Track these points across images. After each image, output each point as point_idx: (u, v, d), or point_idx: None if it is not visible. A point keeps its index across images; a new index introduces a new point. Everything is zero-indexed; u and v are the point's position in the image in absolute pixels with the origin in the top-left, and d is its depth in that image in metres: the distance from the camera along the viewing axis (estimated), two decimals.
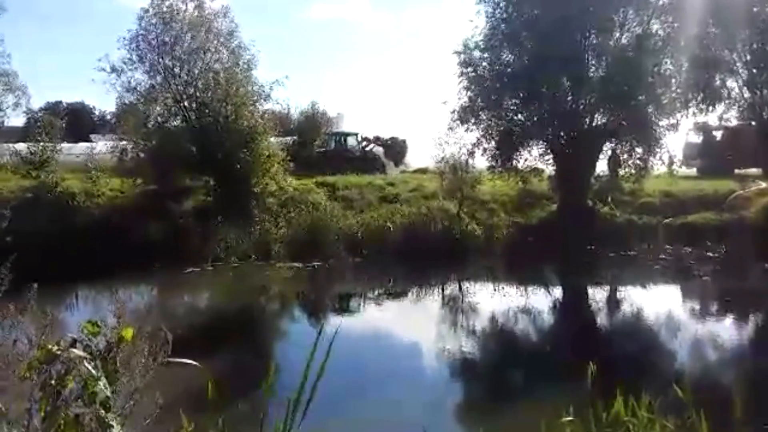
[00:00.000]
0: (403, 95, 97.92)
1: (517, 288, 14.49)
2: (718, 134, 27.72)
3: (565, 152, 19.39)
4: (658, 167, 19.78)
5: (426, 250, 15.94)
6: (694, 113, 23.84)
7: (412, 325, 11.22)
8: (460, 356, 9.18)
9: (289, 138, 26.58)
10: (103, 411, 2.01)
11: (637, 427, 3.29)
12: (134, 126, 19.27)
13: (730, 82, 24.21)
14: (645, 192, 19.82)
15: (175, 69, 19.13)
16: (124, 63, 18.81)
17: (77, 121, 36.52)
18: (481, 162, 20.34)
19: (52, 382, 2.03)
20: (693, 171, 26.53)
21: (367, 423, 6.44)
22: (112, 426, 2.01)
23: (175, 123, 20.00)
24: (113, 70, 18.71)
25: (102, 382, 2.02)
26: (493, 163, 20.13)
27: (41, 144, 19.34)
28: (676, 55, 19.32)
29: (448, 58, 28.42)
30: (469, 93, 19.63)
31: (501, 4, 19.45)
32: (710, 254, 16.21)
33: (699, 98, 23.17)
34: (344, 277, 15.65)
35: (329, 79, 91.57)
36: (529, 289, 14.21)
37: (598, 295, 13.93)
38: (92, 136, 33.33)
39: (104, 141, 24.11)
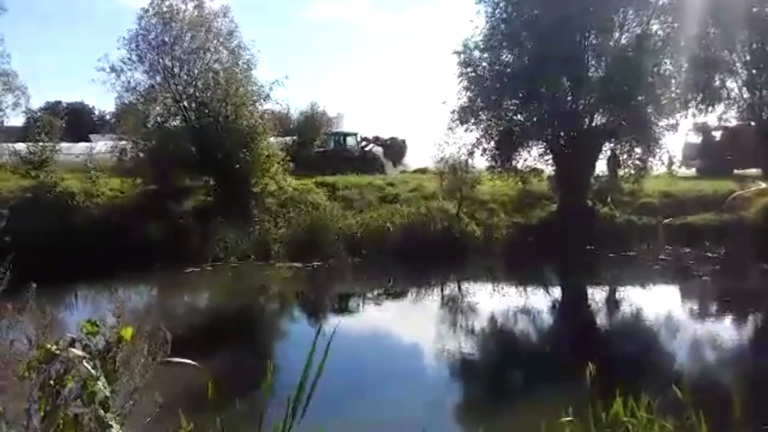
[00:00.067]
0: (402, 95, 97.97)
1: (516, 288, 14.50)
2: (717, 134, 27.71)
3: (564, 152, 19.40)
4: (658, 167, 19.79)
5: (425, 250, 15.94)
6: (693, 113, 23.90)
7: (412, 325, 11.22)
8: (459, 356, 9.18)
9: (288, 138, 26.58)
10: (102, 411, 2.00)
11: (636, 427, 3.30)
12: (134, 126, 19.27)
13: (730, 83, 24.22)
14: (644, 192, 19.83)
15: (174, 69, 19.14)
16: (124, 63, 18.85)
17: (77, 121, 36.49)
18: (480, 162, 20.38)
19: (51, 381, 2.03)
20: (692, 171, 26.53)
21: (366, 423, 6.44)
22: (112, 426, 2.01)
23: (174, 123, 20.00)
24: (113, 69, 18.74)
25: (101, 382, 2.02)
26: (493, 164, 20.13)
27: (41, 144, 19.33)
28: (676, 56, 19.33)
29: (447, 58, 28.39)
30: (468, 93, 19.63)
31: (501, 4, 19.45)
32: (710, 254, 16.21)
33: (698, 98, 23.19)
34: (344, 277, 15.65)
35: (329, 79, 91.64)
36: (529, 289, 14.22)
37: (597, 295, 13.93)
38: (92, 136, 33.33)
39: (104, 141, 24.10)
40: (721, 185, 19.77)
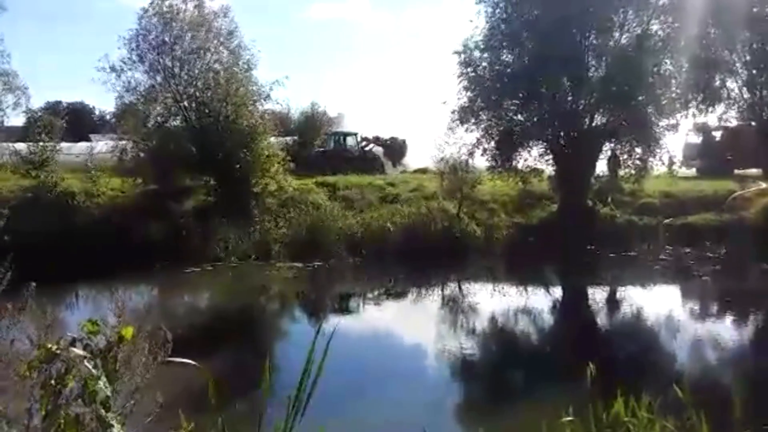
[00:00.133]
0: (403, 95, 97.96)
1: (517, 288, 14.50)
2: (717, 135, 27.72)
3: (565, 152, 19.40)
4: (658, 168, 19.79)
5: (426, 250, 15.94)
6: (693, 114, 23.91)
7: (412, 325, 11.22)
8: (460, 356, 9.18)
9: (289, 138, 26.59)
10: (103, 410, 2.00)
11: (637, 427, 3.29)
12: (134, 126, 19.29)
13: (730, 83, 24.22)
14: (645, 192, 19.83)
15: (175, 69, 19.15)
16: (124, 63, 18.88)
17: (77, 121, 36.46)
18: (481, 162, 20.38)
19: (52, 381, 2.03)
20: (693, 171, 26.54)
21: (367, 423, 6.44)
22: (112, 425, 2.01)
23: (175, 123, 20.02)
24: (113, 69, 18.77)
25: (102, 381, 2.02)
26: (493, 164, 20.13)
27: (41, 144, 19.32)
28: (676, 56, 19.32)
29: (448, 58, 28.39)
30: (469, 93, 19.63)
31: (501, 5, 19.45)
32: (710, 255, 16.20)
33: (699, 99, 23.19)
34: (344, 277, 15.65)
35: (329, 79, 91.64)
36: (529, 289, 14.22)
37: (598, 295, 13.93)
38: (92, 136, 33.36)
39: (104, 141, 24.13)
40: (722, 185, 19.77)
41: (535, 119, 19.35)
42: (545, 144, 19.91)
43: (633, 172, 19.61)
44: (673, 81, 19.47)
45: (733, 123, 26.25)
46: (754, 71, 23.67)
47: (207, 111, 19.09)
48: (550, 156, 19.90)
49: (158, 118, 19.80)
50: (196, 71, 19.31)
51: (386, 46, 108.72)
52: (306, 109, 32.44)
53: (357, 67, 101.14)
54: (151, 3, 18.75)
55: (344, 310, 12.71)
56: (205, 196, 19.13)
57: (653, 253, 16.84)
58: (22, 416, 2.04)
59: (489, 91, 19.29)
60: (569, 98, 19.40)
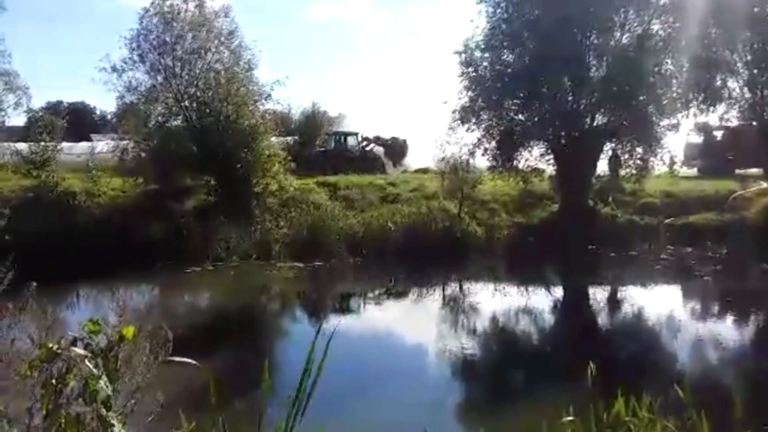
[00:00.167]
0: (403, 95, 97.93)
1: (517, 288, 14.49)
2: (718, 134, 27.71)
3: (565, 152, 19.39)
4: (659, 167, 19.78)
5: (427, 250, 15.94)
6: (694, 113, 23.84)
7: (413, 325, 11.22)
8: (460, 356, 9.17)
9: (290, 138, 26.58)
10: (104, 409, 2.01)
11: (637, 427, 3.29)
12: (135, 126, 19.30)
13: (731, 83, 24.18)
14: (646, 192, 19.83)
15: (175, 68, 19.15)
16: (125, 62, 18.88)
17: (78, 121, 36.52)
18: (481, 162, 20.38)
19: (53, 380, 2.03)
20: (694, 171, 26.53)
21: (367, 422, 6.44)
22: (113, 424, 2.01)
23: (176, 122, 20.03)
24: (114, 69, 18.77)
25: (103, 381, 2.02)
26: (494, 163, 20.13)
27: (42, 143, 19.33)
28: (677, 56, 19.32)
29: (448, 58, 28.40)
30: (469, 93, 19.64)
31: (502, 4, 19.46)
32: (711, 254, 16.20)
33: (700, 98, 23.14)
34: (345, 276, 15.66)
35: (329, 79, 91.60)
36: (530, 289, 14.21)
37: (599, 295, 13.92)
38: (93, 136, 33.38)
39: (105, 141, 24.14)
40: (723, 185, 19.77)
41: (536, 119, 19.35)
42: (546, 144, 19.91)
43: (634, 171, 19.61)
44: (674, 81, 19.47)
45: (734, 123, 26.23)
46: (755, 71, 23.64)
47: (208, 111, 19.09)
48: (551, 156, 19.90)
49: (159, 117, 19.81)
50: (197, 71, 19.32)
51: (387, 46, 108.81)
52: (307, 108, 32.50)
53: (357, 67, 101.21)
54: (152, 3, 18.77)
55: (345, 309, 12.71)
56: (206, 195, 19.13)
57: (654, 252, 16.83)
58: (23, 415, 2.04)
59: (490, 91, 19.30)
60: (570, 98, 19.40)
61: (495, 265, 16.67)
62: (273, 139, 20.28)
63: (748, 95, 24.22)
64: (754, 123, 24.90)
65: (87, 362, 2.02)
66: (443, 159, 19.67)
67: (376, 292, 14.05)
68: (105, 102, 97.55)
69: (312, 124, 31.67)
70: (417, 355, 9.41)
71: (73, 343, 2.07)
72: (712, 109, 24.36)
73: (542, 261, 16.31)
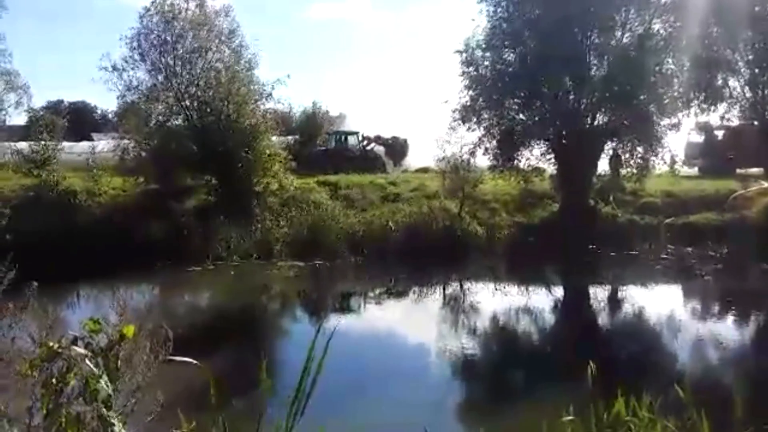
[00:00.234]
0: (404, 94, 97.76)
1: (518, 288, 14.49)
2: (719, 134, 27.68)
3: (566, 152, 19.37)
4: (660, 167, 19.75)
5: (427, 249, 15.94)
6: (695, 113, 23.79)
7: (414, 325, 11.23)
8: (461, 356, 9.18)
9: (290, 137, 26.57)
10: (104, 409, 2.01)
11: (638, 427, 3.29)
12: (136, 125, 19.31)
13: (732, 82, 24.12)
14: (647, 192, 19.82)
15: (176, 68, 19.16)
16: (126, 62, 18.90)
17: (79, 120, 36.55)
18: (482, 161, 20.34)
19: (54, 379, 2.04)
20: (695, 171, 26.50)
21: (367, 422, 6.44)
22: (114, 424, 2.01)
23: (176, 122, 20.04)
24: (115, 68, 18.79)
25: (103, 380, 2.02)
26: (495, 163, 20.10)
27: (43, 143, 19.34)
28: (678, 55, 19.29)
29: (449, 58, 28.40)
30: (470, 92, 19.61)
31: (502, 4, 19.43)
32: (712, 254, 16.19)
33: (701, 98, 23.10)
34: (346, 276, 15.66)
35: (330, 79, 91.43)
36: (531, 288, 14.21)
37: (599, 294, 13.93)
38: (94, 135, 33.41)
39: (106, 140, 24.15)
40: (724, 185, 19.75)
41: (536, 118, 19.34)
42: (547, 143, 19.89)
43: (635, 171, 19.59)
44: (675, 80, 19.44)
45: (735, 122, 26.19)
46: (756, 70, 23.59)
47: (208, 110, 19.10)
48: (552, 155, 19.88)
49: (160, 117, 19.82)
50: (198, 70, 19.32)
51: (387, 46, 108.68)
52: (307, 108, 32.51)
53: (358, 66, 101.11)
54: (153, 2, 18.77)
55: (345, 309, 12.71)
56: (207, 195, 19.13)
57: (655, 252, 16.82)
58: (24, 415, 2.05)
59: (490, 90, 19.27)
60: (571, 97, 19.38)
61: (495, 265, 16.67)
62: (273, 138, 20.29)
63: (749, 95, 24.17)
64: (755, 122, 24.85)
65: (87, 361, 2.03)
66: (444, 158, 19.65)
67: (377, 292, 14.06)
68: (105, 101, 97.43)
69: (312, 124, 31.68)
70: (417, 354, 9.42)
71: (74, 342, 2.08)
72: (713, 108, 24.32)
73: (543, 260, 16.30)
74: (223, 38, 19.60)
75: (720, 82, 23.62)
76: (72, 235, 14.96)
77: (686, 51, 19.35)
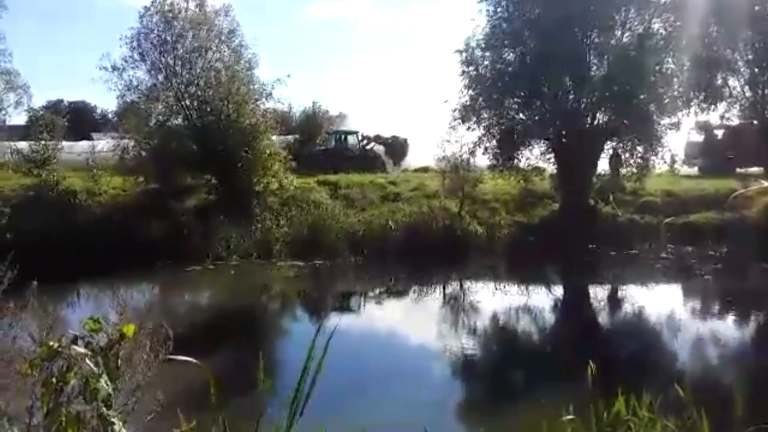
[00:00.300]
0: (404, 94, 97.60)
1: (518, 287, 14.49)
2: (719, 133, 27.69)
3: (566, 151, 19.37)
4: (660, 166, 19.75)
5: (427, 249, 15.94)
6: (695, 112, 23.80)
7: (414, 325, 11.23)
8: (461, 355, 9.18)
9: (290, 136, 26.56)
10: (104, 408, 2.01)
11: (637, 426, 3.29)
12: (136, 124, 19.31)
13: (732, 81, 24.13)
14: (646, 191, 19.83)
15: (176, 67, 19.17)
16: (126, 61, 18.90)
17: (79, 120, 36.56)
18: (482, 161, 20.34)
19: (54, 379, 2.04)
20: (694, 170, 26.51)
21: (367, 422, 6.41)
22: (114, 423, 2.01)
23: (176, 121, 20.04)
24: (114, 68, 18.79)
25: (103, 379, 2.02)
26: (495, 162, 20.10)
27: (43, 142, 19.34)
28: (678, 54, 19.30)
29: (449, 57, 28.33)
30: (470, 92, 19.61)
31: (502, 3, 19.43)
32: (712, 253, 16.20)
33: (701, 97, 23.10)
34: (346, 275, 15.66)
35: (330, 78, 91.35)
36: (531, 288, 14.21)
37: (599, 294, 13.93)
38: (94, 135, 33.39)
39: (106, 139, 24.14)
40: (723, 184, 19.76)
41: (536, 118, 19.35)
42: (547, 143, 19.90)
43: (635, 170, 19.60)
44: (675, 79, 19.44)
45: (735, 121, 26.20)
46: (756, 70, 23.59)
47: (208, 110, 19.10)
48: (552, 155, 19.88)
49: (160, 116, 19.82)
50: (198, 70, 19.32)
51: (387, 45, 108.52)
52: (307, 107, 32.52)
53: (358, 65, 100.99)
54: (153, 1, 18.77)
55: (345, 308, 12.72)
56: (207, 194, 19.14)
57: (655, 251, 16.83)
58: (24, 414, 2.05)
59: (490, 90, 19.28)
60: (571, 97, 19.39)
61: (495, 264, 16.67)
62: (273, 137, 20.28)
63: (748, 94, 24.17)
64: (755, 122, 24.86)
65: (87, 361, 2.03)
66: (444, 158, 19.66)
67: (377, 291, 14.07)
68: (105, 101, 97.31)
69: (312, 123, 31.69)
70: (417, 354, 9.42)
71: (74, 341, 2.08)
72: (712, 107, 24.33)
73: (543, 260, 16.30)
74: (223, 38, 19.60)
75: (720, 81, 23.62)
76: (72, 235, 14.96)
77: (686, 50, 19.36)
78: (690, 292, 13.81)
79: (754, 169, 24.16)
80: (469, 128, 19.73)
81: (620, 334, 10.75)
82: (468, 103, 19.63)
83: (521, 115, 20.03)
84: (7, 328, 2.26)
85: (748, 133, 24.96)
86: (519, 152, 20.09)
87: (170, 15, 18.75)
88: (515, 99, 19.75)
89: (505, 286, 14.67)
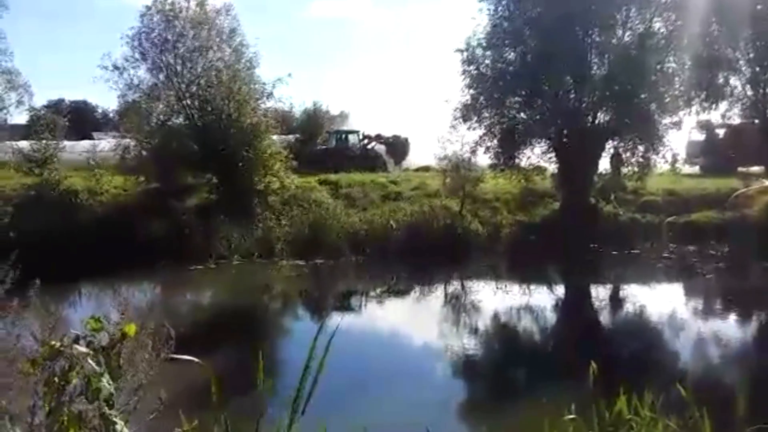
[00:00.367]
0: (405, 93, 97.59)
1: (519, 286, 14.48)
2: (721, 132, 27.65)
3: (567, 150, 19.36)
4: (661, 165, 19.74)
5: (428, 248, 15.94)
6: (696, 111, 23.75)
7: (415, 324, 11.23)
8: (462, 355, 9.18)
9: (291, 136, 26.56)
10: (106, 407, 2.01)
11: (639, 425, 3.29)
12: (137, 124, 19.32)
13: (733, 80, 24.08)
14: (648, 190, 19.81)
15: (177, 67, 19.16)
16: (127, 61, 18.91)
17: (80, 119, 36.57)
18: (483, 160, 20.33)
19: (56, 378, 2.04)
20: (696, 169, 26.49)
21: (369, 421, 6.42)
22: (116, 422, 2.01)
23: (177, 121, 20.04)
24: (115, 67, 18.79)
25: (105, 378, 2.02)
26: (496, 161, 20.09)
27: (44, 142, 19.35)
28: (679, 53, 19.28)
29: (450, 56, 28.38)
30: (471, 91, 19.61)
31: (503, 2, 19.42)
32: (713, 253, 16.18)
33: (702, 96, 23.07)
34: (347, 275, 15.66)
35: (330, 78, 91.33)
36: (532, 287, 14.19)
37: (600, 293, 13.92)
38: (95, 134, 33.42)
39: (107, 139, 24.17)
40: (725, 183, 19.73)
41: (537, 117, 19.34)
42: (548, 142, 19.89)
43: (636, 169, 19.58)
44: (676, 79, 19.43)
45: (737, 120, 26.16)
46: (758, 69, 23.55)
47: (209, 109, 19.09)
48: (553, 154, 19.88)
49: (161, 116, 19.83)
50: (199, 69, 19.32)
51: (387, 44, 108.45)
52: (308, 107, 32.53)
53: (358, 65, 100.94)
54: (154, 1, 18.76)
55: (347, 308, 12.72)
56: (208, 194, 19.14)
57: (656, 251, 16.81)
58: (26, 413, 2.05)
59: (491, 89, 19.27)
60: (572, 96, 19.38)
61: (497, 264, 16.66)
62: (274, 137, 20.28)
63: (750, 93, 24.13)
64: (756, 121, 24.83)
65: (89, 360, 2.03)
66: (445, 157, 19.64)
67: (378, 291, 14.07)
68: (106, 100, 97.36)
69: (313, 123, 31.69)
70: (419, 353, 9.42)
71: (76, 340, 2.08)
72: (714, 107, 24.27)
73: (544, 259, 16.29)
74: (223, 37, 19.59)
75: (721, 80, 23.58)
76: (73, 234, 14.97)
77: (687, 49, 19.33)
78: (691, 291, 13.80)
79: (756, 168, 24.11)
80: (470, 127, 19.75)
81: (622, 334, 10.75)
82: (469, 102, 19.63)
83: (522, 115, 20.02)
84: (10, 327, 2.26)
85: (749, 132, 24.92)
86: (520, 151, 20.08)
87: (171, 14, 18.75)
88: (516, 98, 19.75)
89: (506, 286, 14.66)
